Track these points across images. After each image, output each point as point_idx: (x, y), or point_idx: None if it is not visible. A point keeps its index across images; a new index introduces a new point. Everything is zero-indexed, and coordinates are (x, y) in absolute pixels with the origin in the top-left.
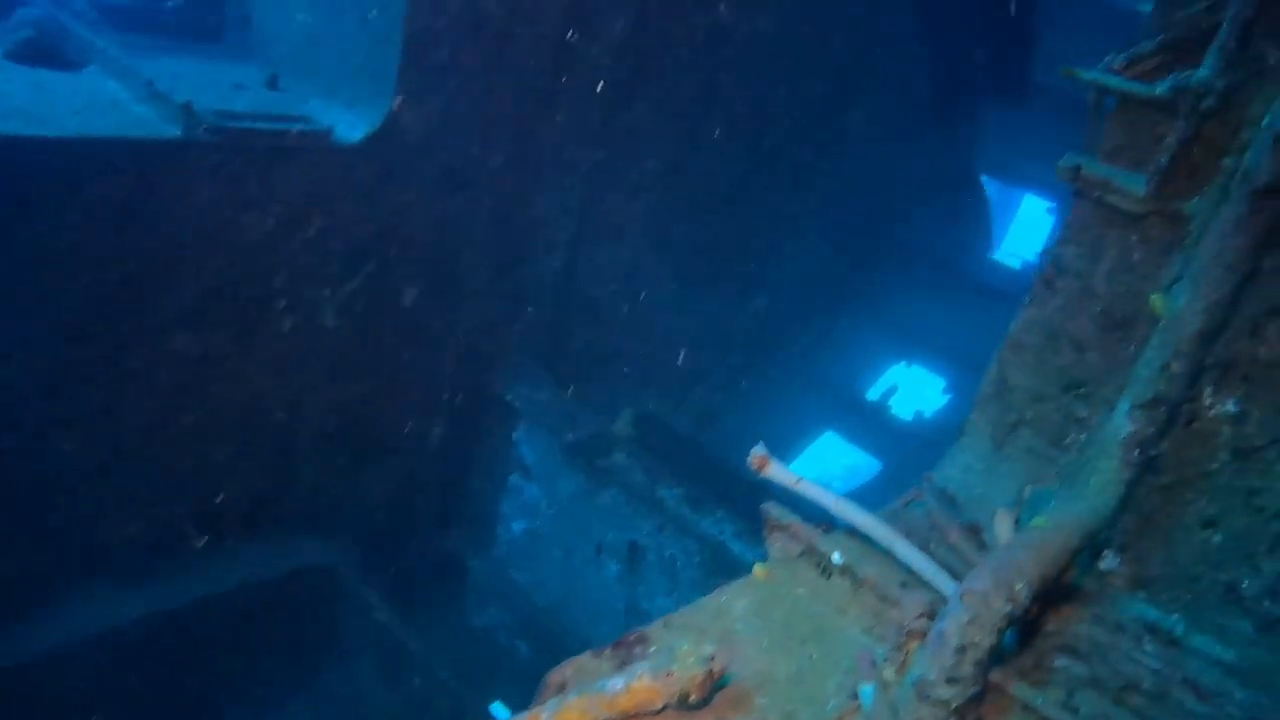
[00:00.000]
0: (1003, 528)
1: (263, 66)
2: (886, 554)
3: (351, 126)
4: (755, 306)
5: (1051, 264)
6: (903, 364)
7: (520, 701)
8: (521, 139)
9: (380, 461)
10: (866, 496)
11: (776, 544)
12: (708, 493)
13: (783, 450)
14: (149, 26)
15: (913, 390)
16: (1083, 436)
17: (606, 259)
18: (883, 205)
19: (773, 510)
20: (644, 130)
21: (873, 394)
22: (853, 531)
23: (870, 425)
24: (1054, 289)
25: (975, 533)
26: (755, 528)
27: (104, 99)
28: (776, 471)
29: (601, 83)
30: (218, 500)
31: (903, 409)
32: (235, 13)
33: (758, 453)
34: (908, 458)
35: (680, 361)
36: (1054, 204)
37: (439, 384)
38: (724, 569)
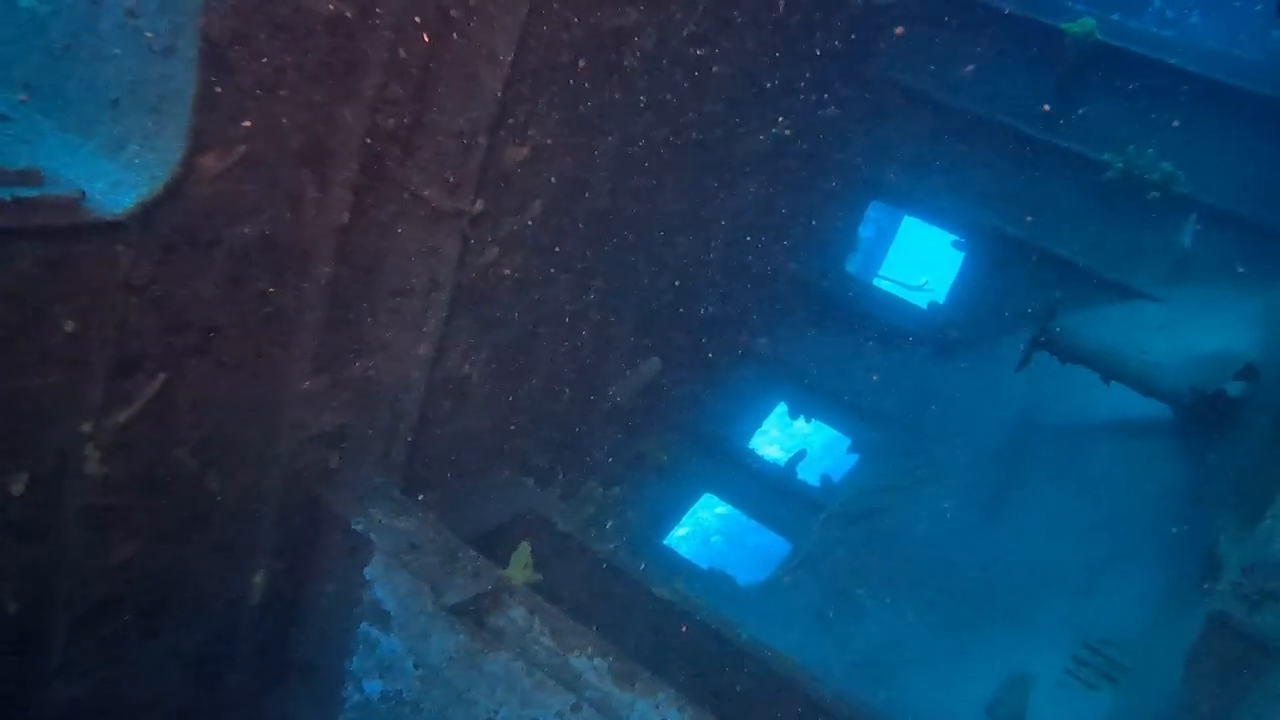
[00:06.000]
0: None
1: None
2: None
3: (117, 186)
4: (648, 371)
5: None
6: (801, 419)
7: None
8: (373, 187)
9: (178, 628)
10: (785, 597)
11: None
12: (643, 663)
13: (666, 523)
14: None
15: (808, 447)
16: None
17: (472, 334)
18: (769, 236)
19: None
20: (523, 176)
21: (754, 445)
22: None
23: (772, 495)
24: None
25: None
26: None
27: None
28: None
29: (487, 111)
30: None
31: (809, 474)
32: None
33: None
34: (824, 539)
35: (566, 449)
36: (961, 239)
37: (261, 515)
38: None
